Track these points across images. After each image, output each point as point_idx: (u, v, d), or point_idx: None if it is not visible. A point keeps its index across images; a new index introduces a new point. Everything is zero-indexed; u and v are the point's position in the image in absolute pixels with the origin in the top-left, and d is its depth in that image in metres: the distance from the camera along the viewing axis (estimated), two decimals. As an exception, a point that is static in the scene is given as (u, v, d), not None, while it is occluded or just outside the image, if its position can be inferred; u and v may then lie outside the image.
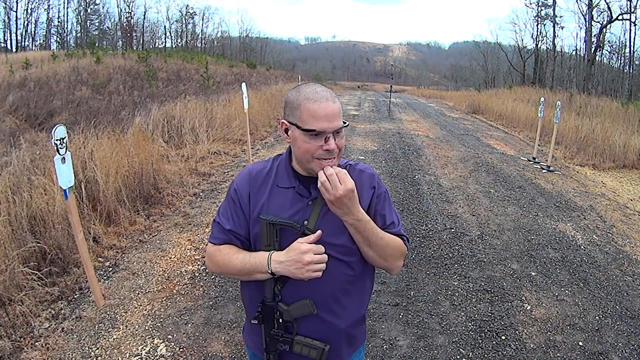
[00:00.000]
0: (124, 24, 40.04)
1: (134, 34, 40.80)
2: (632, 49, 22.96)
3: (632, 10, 21.42)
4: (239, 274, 1.13)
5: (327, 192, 1.02)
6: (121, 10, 39.76)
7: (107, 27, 41.98)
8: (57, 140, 2.40)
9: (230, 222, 1.14)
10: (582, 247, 3.94)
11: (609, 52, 26.50)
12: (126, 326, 2.53)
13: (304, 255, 1.01)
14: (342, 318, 1.13)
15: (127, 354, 2.30)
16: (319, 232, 1.05)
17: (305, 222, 1.08)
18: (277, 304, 1.09)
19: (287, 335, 1.09)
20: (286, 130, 1.10)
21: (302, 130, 1.04)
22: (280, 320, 1.09)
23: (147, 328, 2.52)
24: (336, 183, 1.01)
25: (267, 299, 1.10)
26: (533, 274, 3.39)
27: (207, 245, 1.20)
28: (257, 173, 1.16)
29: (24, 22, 35.61)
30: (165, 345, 2.38)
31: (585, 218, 4.76)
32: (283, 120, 1.10)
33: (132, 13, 40.16)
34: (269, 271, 1.05)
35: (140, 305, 2.75)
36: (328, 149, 1.04)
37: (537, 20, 29.34)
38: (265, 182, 1.14)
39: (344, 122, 1.08)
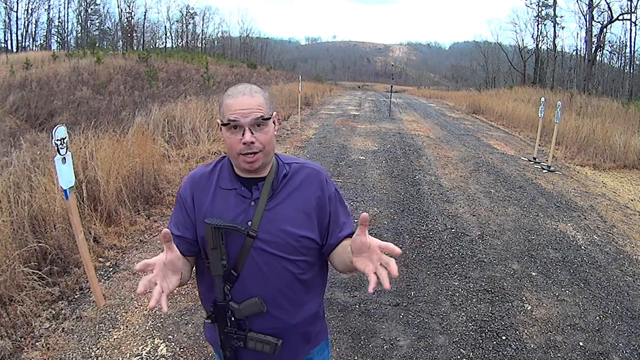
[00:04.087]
0: (125, 24, 40.07)
1: (134, 34, 40.83)
2: (632, 49, 23.00)
3: (633, 10, 21.44)
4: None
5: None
6: (122, 10, 39.82)
7: (108, 27, 42.05)
8: (57, 140, 2.40)
9: (179, 228, 1.15)
10: (582, 247, 3.94)
11: (610, 52, 26.51)
12: (127, 326, 2.53)
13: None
14: (292, 315, 1.14)
15: (128, 354, 2.30)
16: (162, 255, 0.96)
17: (249, 223, 1.09)
18: (227, 303, 1.10)
19: (240, 332, 1.11)
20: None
21: (222, 126, 1.08)
22: (233, 318, 1.10)
23: (147, 328, 2.53)
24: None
25: (218, 299, 1.11)
26: (533, 274, 3.39)
27: None
28: (199, 176, 1.18)
29: (25, 22, 35.68)
30: (166, 345, 2.38)
31: (585, 218, 4.76)
32: (218, 121, 1.13)
33: (133, 13, 40.22)
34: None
35: (141, 305, 2.75)
36: (244, 142, 1.05)
37: (538, 20, 29.37)
38: (208, 184, 1.15)
39: (265, 116, 1.07)
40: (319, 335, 1.26)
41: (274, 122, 1.13)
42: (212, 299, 1.13)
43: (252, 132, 1.05)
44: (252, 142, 1.05)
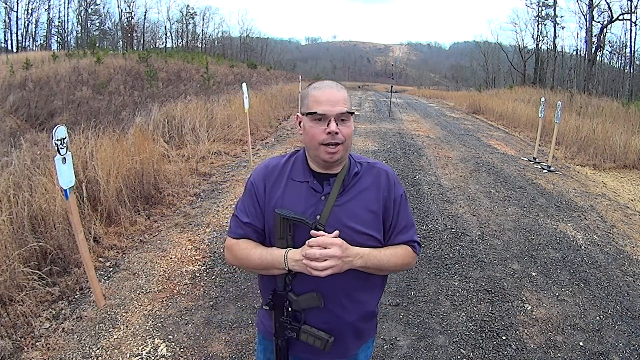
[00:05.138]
0: (125, 24, 40.04)
1: (134, 34, 40.80)
2: (632, 49, 22.98)
3: (633, 10, 21.41)
4: (256, 268, 1.17)
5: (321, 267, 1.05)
6: (122, 10, 39.77)
7: (108, 27, 42.03)
8: (57, 140, 2.40)
9: (248, 216, 1.18)
10: (582, 247, 3.94)
11: (610, 52, 26.50)
12: (127, 326, 2.53)
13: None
14: (350, 312, 1.16)
15: (128, 354, 2.30)
16: (336, 232, 1.08)
17: (318, 217, 1.11)
18: (287, 293, 1.13)
19: (294, 323, 1.14)
20: (300, 123, 1.16)
21: (307, 115, 1.11)
22: (290, 309, 1.13)
23: (147, 328, 2.53)
24: (321, 257, 1.05)
25: (278, 288, 1.14)
26: (534, 274, 3.39)
27: (225, 239, 1.25)
28: (273, 167, 1.21)
29: (25, 22, 35.65)
30: (166, 345, 2.38)
31: (585, 218, 4.76)
32: (297, 114, 1.17)
33: (133, 13, 40.16)
34: (286, 268, 1.09)
35: (141, 305, 2.75)
36: (330, 132, 1.08)
37: (538, 20, 29.34)
38: (281, 175, 1.18)
39: (350, 111, 1.11)
40: (370, 332, 1.28)
41: None
42: (272, 287, 1.15)
43: (336, 124, 1.09)
44: (337, 133, 1.09)
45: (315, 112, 1.09)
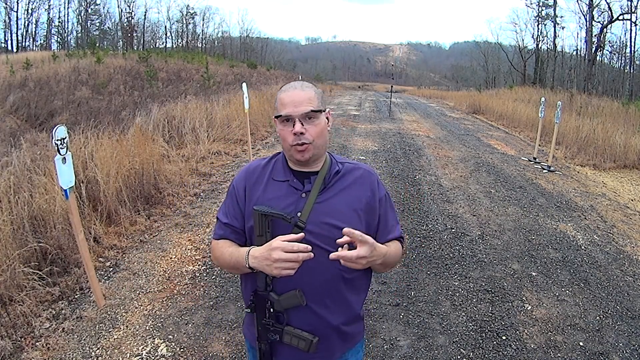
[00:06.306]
0: (125, 24, 40.04)
1: (134, 34, 40.79)
2: (632, 49, 22.96)
3: (633, 10, 21.40)
4: (231, 268, 1.17)
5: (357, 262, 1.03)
6: (122, 10, 39.77)
7: (108, 27, 42.02)
8: (57, 140, 2.41)
9: (227, 216, 1.19)
10: (582, 247, 3.94)
11: (610, 52, 26.48)
12: (127, 326, 2.53)
13: (272, 252, 1.01)
14: (334, 313, 1.15)
15: (128, 354, 2.30)
16: (301, 234, 1.05)
17: (299, 214, 1.11)
18: (268, 293, 1.11)
19: (277, 325, 1.12)
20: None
21: (276, 118, 1.13)
22: (272, 309, 1.11)
23: (147, 328, 2.53)
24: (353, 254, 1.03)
25: (259, 289, 1.12)
26: (534, 274, 3.39)
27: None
28: (254, 169, 1.22)
29: (25, 22, 35.65)
30: (166, 345, 2.38)
31: (585, 218, 4.76)
32: (274, 117, 1.17)
33: (133, 13, 40.16)
34: (247, 266, 1.08)
35: (141, 305, 2.75)
36: (295, 133, 1.09)
37: (538, 20, 29.33)
38: (262, 175, 1.19)
39: (315, 109, 1.11)
40: (357, 335, 1.26)
41: (327, 118, 1.16)
42: (253, 288, 1.14)
43: (302, 124, 1.09)
44: (302, 133, 1.09)
45: (281, 115, 1.11)
